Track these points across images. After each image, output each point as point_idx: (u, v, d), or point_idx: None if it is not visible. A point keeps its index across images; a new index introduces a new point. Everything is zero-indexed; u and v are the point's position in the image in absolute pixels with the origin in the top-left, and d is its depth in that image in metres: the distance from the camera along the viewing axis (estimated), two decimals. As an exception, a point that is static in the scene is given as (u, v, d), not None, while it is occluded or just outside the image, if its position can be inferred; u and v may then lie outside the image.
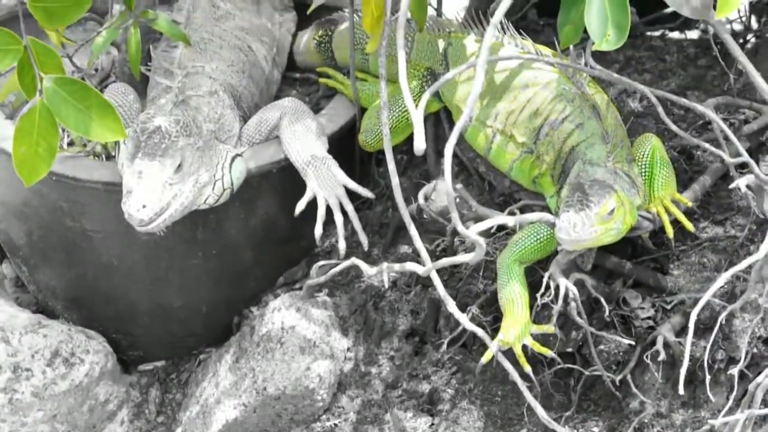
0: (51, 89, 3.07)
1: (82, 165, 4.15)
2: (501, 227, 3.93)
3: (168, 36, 4.21)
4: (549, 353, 3.69)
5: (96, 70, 4.75)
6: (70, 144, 4.26)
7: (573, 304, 3.63)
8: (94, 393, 4.23)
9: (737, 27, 4.46)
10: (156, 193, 3.81)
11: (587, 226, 3.43)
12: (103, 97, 3.00)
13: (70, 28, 4.38)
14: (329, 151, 4.18)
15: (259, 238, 4.27)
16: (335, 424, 4.01)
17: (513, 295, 3.70)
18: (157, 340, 4.40)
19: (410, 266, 3.46)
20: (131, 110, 4.20)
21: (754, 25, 4.42)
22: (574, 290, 3.62)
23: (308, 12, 4.18)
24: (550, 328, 3.68)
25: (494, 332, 3.76)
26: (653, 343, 3.64)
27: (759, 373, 3.40)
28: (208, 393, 4.16)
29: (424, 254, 3.21)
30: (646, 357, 3.65)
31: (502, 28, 4.02)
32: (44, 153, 3.08)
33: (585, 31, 3.25)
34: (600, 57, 4.13)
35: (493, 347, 3.50)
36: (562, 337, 3.74)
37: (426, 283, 4.10)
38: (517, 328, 3.67)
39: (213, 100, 4.16)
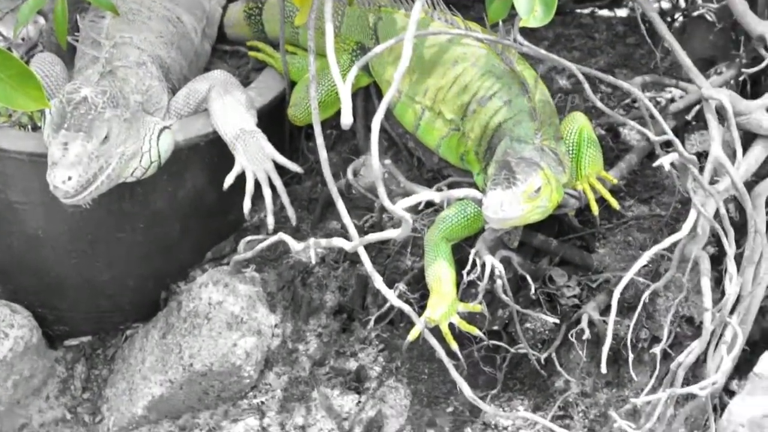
0: (-29, 57, 3.02)
1: (7, 135, 4.12)
2: (429, 204, 3.93)
3: (96, 6, 4.16)
4: (476, 332, 3.71)
5: (23, 39, 4.69)
6: (-5, 115, 4.22)
7: (499, 281, 3.64)
8: (18, 368, 4.18)
9: (665, 5, 4.47)
10: (82, 165, 3.78)
11: (514, 204, 3.44)
12: (25, 65, 2.96)
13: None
14: (258, 125, 4.16)
15: (187, 212, 4.24)
16: (262, 402, 4.01)
17: (440, 272, 3.71)
18: (83, 315, 4.35)
19: (337, 242, 3.46)
20: (58, 80, 4.16)
21: (682, 4, 4.43)
22: (500, 267, 3.63)
23: (237, -17, 4.16)
24: (476, 307, 3.69)
25: (421, 309, 3.78)
26: (578, 321, 3.67)
27: (681, 352, 3.44)
28: (134, 369, 4.14)
29: (352, 230, 3.21)
30: (572, 336, 3.68)
31: (432, 3, 4.02)
32: (-35, 123, 3.04)
33: (513, 7, 3.25)
34: (529, 34, 4.15)
35: (420, 324, 3.51)
36: (488, 314, 3.75)
37: (354, 259, 4.09)
38: (444, 305, 3.68)
39: (141, 71, 4.12)
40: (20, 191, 4.12)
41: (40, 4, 4.05)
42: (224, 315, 4.01)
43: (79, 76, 4.04)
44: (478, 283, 3.64)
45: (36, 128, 4.19)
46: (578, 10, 4.57)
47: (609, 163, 3.86)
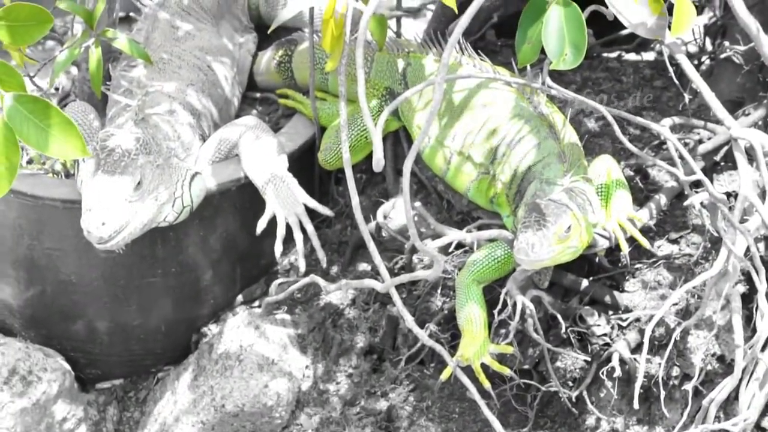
0: (12, 107, 3.04)
1: (42, 183, 4.16)
2: (459, 245, 3.94)
3: (128, 55, 4.21)
4: (507, 372, 3.72)
5: (56, 89, 4.75)
6: (30, 162, 4.26)
7: (530, 320, 3.67)
8: (51, 411, 4.20)
9: (692, 49, 4.50)
10: (115, 210, 3.81)
11: (545, 245, 3.45)
12: (64, 114, 2.99)
13: (29, 47, 4.38)
14: (289, 170, 4.20)
15: (219, 256, 4.27)
16: (294, 441, 4.03)
17: (471, 315, 3.72)
18: (115, 359, 4.37)
19: (369, 283, 3.48)
20: (91, 129, 4.21)
21: (709, 47, 4.46)
22: (531, 307, 3.65)
23: (268, 32, 4.20)
24: (508, 348, 3.71)
25: (452, 349, 3.79)
26: (609, 359, 3.66)
27: (712, 389, 3.44)
28: (166, 411, 4.15)
29: (383, 270, 3.23)
30: (602, 374, 3.67)
31: (461, 48, 4.06)
32: (5, 171, 3.05)
33: (542, 51, 3.28)
34: (557, 78, 4.17)
35: (452, 364, 3.52)
36: (519, 354, 3.76)
37: (384, 300, 4.12)
38: (476, 346, 3.69)
39: (172, 118, 4.17)
40: (54, 237, 4.16)
41: (75, 55, 4.10)
42: (255, 357, 4.03)
43: (112, 124, 4.08)
44: (509, 322, 3.66)
45: (69, 175, 4.23)
46: (605, 54, 4.60)
47: (638, 203, 3.87)
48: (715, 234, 3.69)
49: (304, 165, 4.35)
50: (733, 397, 3.51)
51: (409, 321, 3.26)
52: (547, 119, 3.83)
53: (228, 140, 4.22)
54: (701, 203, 3.65)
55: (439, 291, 4.04)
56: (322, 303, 4.20)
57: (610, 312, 3.80)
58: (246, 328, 4.09)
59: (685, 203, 3.59)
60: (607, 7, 3.35)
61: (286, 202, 4.15)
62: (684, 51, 4.00)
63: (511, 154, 3.83)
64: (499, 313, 3.67)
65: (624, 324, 3.76)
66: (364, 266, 4.26)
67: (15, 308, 4.36)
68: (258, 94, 4.72)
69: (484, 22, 4.69)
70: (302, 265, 4.16)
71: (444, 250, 3.91)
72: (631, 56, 4.62)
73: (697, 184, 3.64)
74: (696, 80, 3.43)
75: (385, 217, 4.14)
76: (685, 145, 3.96)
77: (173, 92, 4.26)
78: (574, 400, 3.76)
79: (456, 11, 3.30)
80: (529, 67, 3.70)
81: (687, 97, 4.12)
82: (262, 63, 4.67)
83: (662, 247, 3.87)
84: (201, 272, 4.27)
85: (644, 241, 3.74)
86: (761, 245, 3.70)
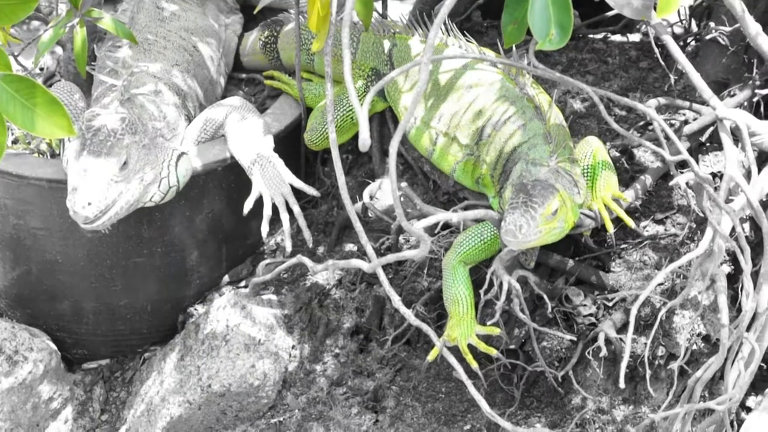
0: (-2, 86, 3.05)
1: (27, 162, 4.15)
2: (445, 226, 3.95)
3: (113, 35, 4.20)
4: (494, 353, 3.73)
5: (41, 69, 4.74)
6: (15, 142, 4.25)
7: (516, 300, 3.67)
8: (37, 391, 4.21)
9: (678, 30, 4.51)
10: (101, 190, 3.81)
11: (532, 227, 3.46)
12: (50, 93, 2.99)
13: (14, 27, 4.36)
14: (275, 150, 4.20)
15: (205, 236, 4.27)
16: (280, 421, 4.02)
17: (458, 296, 3.73)
18: (101, 339, 4.38)
19: (356, 262, 3.48)
20: (76, 109, 4.21)
21: (694, 28, 4.47)
22: (517, 287, 3.66)
23: (254, 12, 4.19)
24: (495, 329, 3.72)
25: (438, 330, 3.80)
26: (595, 339, 3.68)
27: (698, 369, 3.45)
28: (153, 391, 4.16)
29: (370, 250, 3.23)
30: (588, 353, 3.69)
31: (446, 29, 4.06)
32: (-9, 150, 3.06)
33: (528, 32, 3.29)
34: (543, 59, 4.19)
35: (439, 344, 3.53)
36: (505, 334, 3.77)
37: (371, 281, 4.13)
38: (462, 327, 3.71)
39: (158, 99, 4.16)
40: (39, 217, 4.16)
41: (59, 35, 4.08)
42: (242, 337, 4.04)
43: (97, 104, 4.07)
44: (496, 302, 3.66)
45: (54, 155, 4.23)
46: (591, 35, 4.61)
47: (624, 184, 3.89)
48: (701, 214, 3.70)
49: (290, 145, 4.35)
50: (719, 377, 3.54)
51: (395, 301, 3.26)
52: (533, 100, 3.83)
53: (214, 120, 4.22)
54: (687, 183, 3.66)
55: (425, 271, 4.04)
56: (309, 283, 4.21)
57: (596, 292, 3.82)
58: (232, 309, 4.09)
59: (671, 183, 3.59)
60: (593, -13, 3.36)
61: (272, 182, 4.15)
62: (670, 32, 4.03)
63: (496, 135, 3.84)
64: (486, 293, 3.68)
65: (610, 304, 3.78)
66: (350, 247, 4.27)
67: (1, 288, 4.37)
68: (244, 75, 4.73)
69: (470, 3, 4.70)
70: (289, 246, 4.16)
71: (430, 230, 3.92)
72: (617, 37, 4.63)
73: (682, 165, 3.66)
74: (682, 61, 3.43)
75: (371, 198, 4.15)
76: (671, 125, 3.96)
77: (159, 73, 4.26)
78: (560, 379, 3.78)
79: (442, -8, 3.30)
80: (514, 48, 3.71)
81: (672, 77, 4.12)
82: (248, 44, 4.67)
83: (648, 228, 3.89)
84: (187, 252, 4.27)
85: (630, 221, 3.75)
86: (746, 225, 3.72)
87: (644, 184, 3.88)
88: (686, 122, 3.97)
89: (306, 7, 3.52)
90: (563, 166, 3.65)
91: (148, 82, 4.19)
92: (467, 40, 4.05)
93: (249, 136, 4.17)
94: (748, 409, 3.67)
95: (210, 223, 4.25)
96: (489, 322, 3.73)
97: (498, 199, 3.80)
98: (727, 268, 3.65)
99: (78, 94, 4.27)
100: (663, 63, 4.05)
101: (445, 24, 4.04)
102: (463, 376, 3.35)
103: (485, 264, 3.76)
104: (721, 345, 3.37)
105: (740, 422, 3.59)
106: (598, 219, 3.73)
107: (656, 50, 3.98)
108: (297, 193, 4.20)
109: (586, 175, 3.76)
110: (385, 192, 4.15)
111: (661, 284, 3.71)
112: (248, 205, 4.13)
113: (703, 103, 3.76)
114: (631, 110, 4.15)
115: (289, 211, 4.18)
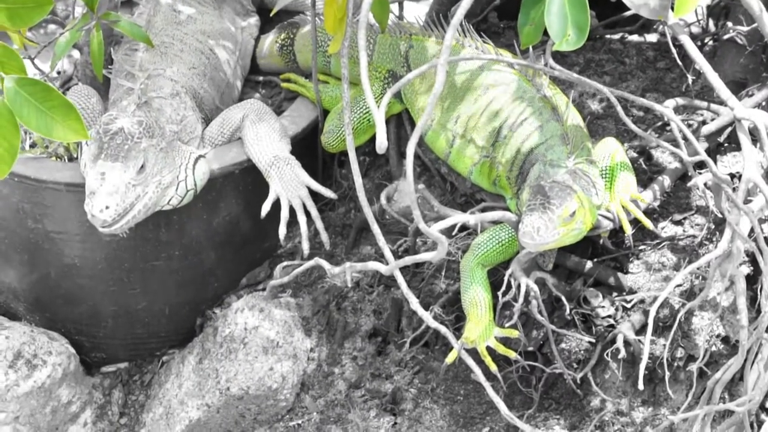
0: (12, 90, 3.05)
1: (45, 166, 4.16)
2: (463, 228, 3.95)
3: (130, 39, 4.21)
4: (513, 355, 3.72)
5: (58, 72, 4.75)
6: (32, 146, 4.26)
7: (534, 302, 3.67)
8: (56, 395, 4.21)
9: (695, 30, 4.49)
10: (119, 194, 3.82)
11: (550, 229, 3.46)
12: (65, 97, 3.00)
13: (31, 30, 4.37)
14: (292, 153, 4.20)
15: (222, 239, 4.27)
16: (299, 424, 4.02)
17: (476, 298, 3.73)
18: (120, 342, 4.38)
19: (373, 265, 3.48)
20: (94, 112, 4.21)
21: (712, 28, 4.46)
22: (535, 289, 3.65)
23: (270, 15, 4.19)
24: (513, 332, 3.71)
25: (456, 332, 3.80)
26: (613, 341, 3.67)
27: (717, 370, 3.44)
28: (171, 394, 4.17)
29: (387, 253, 3.23)
30: (607, 355, 3.68)
31: (463, 30, 4.06)
32: (5, 154, 3.06)
33: (545, 33, 3.28)
34: (560, 60, 4.17)
35: (458, 346, 3.52)
36: (523, 336, 3.76)
37: (388, 283, 4.12)
38: (481, 329, 3.71)
39: (175, 102, 4.16)
40: (57, 221, 4.16)
41: (76, 38, 4.10)
42: (260, 339, 4.04)
43: (115, 108, 4.08)
44: (514, 304, 3.66)
45: (72, 159, 4.23)
46: (608, 36, 4.59)
47: (642, 184, 3.88)
48: (719, 215, 3.69)
49: (308, 148, 4.35)
50: (738, 378, 3.53)
51: (413, 303, 3.26)
52: (550, 101, 3.82)
53: (231, 123, 4.22)
54: (705, 184, 3.65)
55: (443, 273, 4.04)
56: (327, 286, 4.21)
57: (615, 293, 3.80)
58: (250, 311, 4.09)
59: (689, 184, 3.59)
60: (609, -12, 3.35)
61: (289, 185, 4.15)
62: (687, 32, 4.01)
63: (513, 136, 3.83)
64: (504, 295, 3.68)
65: (628, 305, 3.77)
66: (367, 249, 4.27)
67: (19, 292, 4.37)
68: (261, 78, 4.72)
69: (487, 4, 4.68)
70: (306, 248, 4.16)
71: (448, 232, 3.92)
72: (634, 38, 4.61)
73: (700, 165, 3.65)
74: (699, 61, 3.42)
75: (388, 200, 4.14)
76: (689, 126, 3.95)
77: (175, 76, 4.26)
78: (578, 381, 3.77)
79: (458, -6, 3.31)
80: (531, 49, 3.70)
81: (690, 78, 4.11)
82: (264, 46, 4.67)
83: (666, 229, 3.87)
84: (205, 255, 4.27)
85: (648, 223, 3.74)
86: (765, 226, 3.70)
87: (662, 185, 3.87)
88: (704, 123, 3.96)
89: (322, 9, 3.53)
90: (581, 168, 3.64)
91: (165, 85, 4.20)
92: (484, 41, 4.05)
93: (266, 139, 4.17)
94: (768, 411, 3.67)
95: (227, 226, 4.25)
96: (507, 324, 3.73)
97: (515, 201, 3.79)
98: (746, 269, 3.62)
99: (95, 97, 4.27)
100: (680, 63, 4.04)
101: (461, 25, 4.03)
102: (482, 378, 3.35)
103: (503, 266, 3.76)
104: (740, 346, 3.36)
105: (760, 423, 3.56)
106: (616, 220, 3.72)
107: (674, 50, 3.97)
108: (314, 195, 4.20)
109: (604, 176, 3.76)
110: (402, 194, 4.14)
111: (680, 285, 3.69)
112: (266, 208, 4.13)
113: (721, 103, 3.74)
114: (648, 111, 4.14)
115: (307, 213, 4.18)
